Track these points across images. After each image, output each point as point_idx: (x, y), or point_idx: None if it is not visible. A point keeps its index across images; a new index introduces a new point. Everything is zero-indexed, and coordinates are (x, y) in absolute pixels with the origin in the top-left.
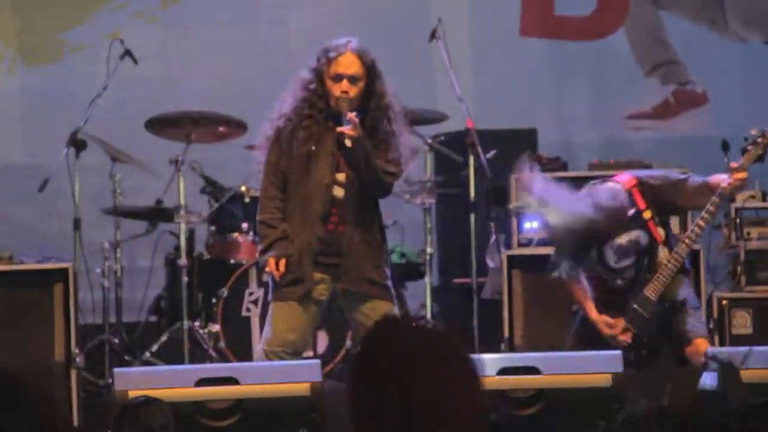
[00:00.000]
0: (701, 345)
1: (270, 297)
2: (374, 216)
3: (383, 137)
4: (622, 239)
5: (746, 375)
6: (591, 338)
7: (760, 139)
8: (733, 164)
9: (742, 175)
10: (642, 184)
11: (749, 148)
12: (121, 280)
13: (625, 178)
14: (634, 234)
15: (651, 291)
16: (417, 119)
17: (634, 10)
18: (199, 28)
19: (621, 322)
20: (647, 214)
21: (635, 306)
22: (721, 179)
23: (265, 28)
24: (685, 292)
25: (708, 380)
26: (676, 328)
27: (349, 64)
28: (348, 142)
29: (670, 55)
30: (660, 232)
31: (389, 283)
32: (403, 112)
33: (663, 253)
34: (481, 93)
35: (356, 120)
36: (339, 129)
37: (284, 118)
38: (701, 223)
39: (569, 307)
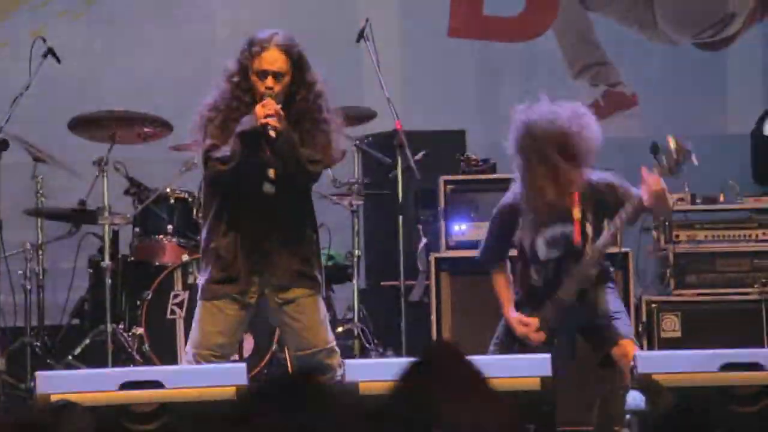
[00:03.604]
0: (628, 347)
1: (199, 295)
2: (306, 210)
3: (309, 127)
4: (555, 230)
5: (667, 379)
6: (512, 347)
7: (675, 156)
8: (644, 193)
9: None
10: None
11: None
12: (44, 282)
13: None
14: (567, 228)
15: (564, 292)
16: (346, 117)
17: (562, 11)
18: (123, 26)
19: (535, 321)
20: (576, 214)
21: (549, 306)
22: (642, 196)
23: (190, 26)
24: (608, 298)
25: (635, 400)
26: (599, 332)
27: (273, 60)
28: (272, 133)
29: (600, 57)
30: (588, 232)
31: (319, 276)
32: (331, 104)
33: (585, 252)
34: (409, 94)
35: (279, 111)
36: (260, 118)
37: (213, 110)
38: (613, 231)
39: (498, 311)
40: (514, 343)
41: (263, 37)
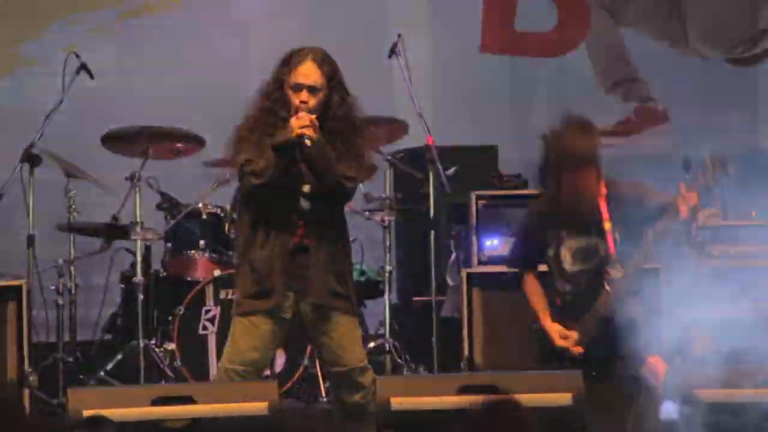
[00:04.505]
0: (656, 364)
1: (233, 310)
2: (340, 227)
3: (343, 144)
4: (581, 242)
5: (700, 394)
6: (551, 353)
7: (711, 168)
8: (683, 190)
9: (691, 198)
10: (609, 192)
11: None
12: (76, 298)
13: None
14: (593, 240)
15: (600, 307)
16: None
17: (594, 27)
18: (154, 43)
19: (575, 334)
20: (607, 226)
21: (585, 320)
22: (678, 202)
23: (223, 43)
24: (634, 310)
25: (669, 410)
26: (627, 346)
27: (308, 74)
28: (307, 142)
29: (631, 73)
30: (618, 243)
31: (353, 296)
32: (364, 121)
33: (617, 267)
34: (441, 109)
35: (315, 121)
36: (296, 129)
37: (249, 126)
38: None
39: (529, 326)
40: (551, 356)
41: (301, 51)
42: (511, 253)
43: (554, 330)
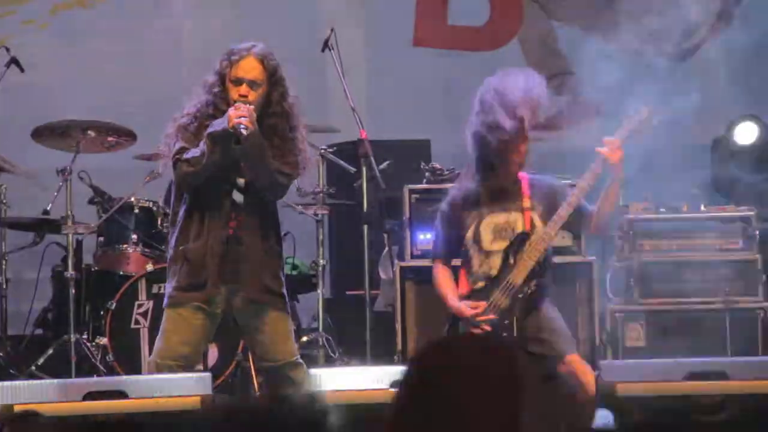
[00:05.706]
0: (575, 363)
1: (165, 303)
2: (272, 223)
3: (280, 141)
4: (500, 218)
5: (631, 388)
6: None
7: (635, 115)
8: (606, 139)
9: (615, 144)
10: (532, 182)
11: (624, 122)
12: (7, 293)
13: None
14: (512, 216)
15: (514, 276)
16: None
17: (527, 21)
18: (87, 36)
19: (482, 304)
20: (527, 203)
21: (499, 291)
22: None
23: (155, 37)
24: (549, 307)
25: (603, 419)
26: (541, 343)
27: (249, 69)
28: (243, 131)
29: (564, 66)
30: (536, 223)
31: (284, 291)
32: (303, 119)
33: (535, 244)
34: (374, 103)
35: (252, 112)
36: (233, 119)
37: (188, 117)
38: (564, 209)
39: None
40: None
41: (242, 46)
42: (434, 245)
43: (462, 305)
